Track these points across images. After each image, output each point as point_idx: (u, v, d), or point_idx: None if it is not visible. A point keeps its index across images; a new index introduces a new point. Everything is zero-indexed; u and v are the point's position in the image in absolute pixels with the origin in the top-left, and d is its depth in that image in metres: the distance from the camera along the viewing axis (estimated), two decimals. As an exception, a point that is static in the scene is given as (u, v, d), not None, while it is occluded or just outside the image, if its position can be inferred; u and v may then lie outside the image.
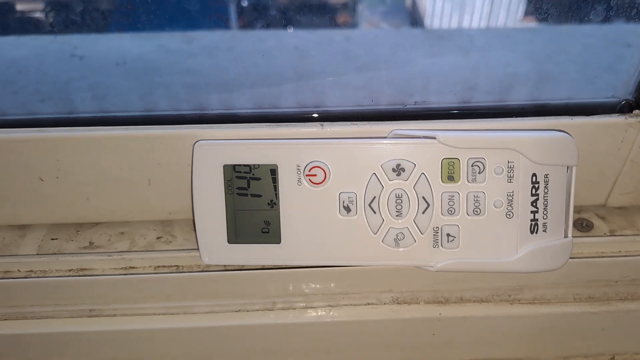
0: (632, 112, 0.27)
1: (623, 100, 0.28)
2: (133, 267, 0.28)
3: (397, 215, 0.25)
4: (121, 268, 0.29)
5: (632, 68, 0.30)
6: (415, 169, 0.24)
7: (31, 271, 0.29)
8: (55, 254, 0.29)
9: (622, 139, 0.27)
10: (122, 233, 0.30)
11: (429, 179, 0.24)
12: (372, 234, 0.25)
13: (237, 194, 0.25)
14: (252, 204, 0.25)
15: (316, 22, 0.37)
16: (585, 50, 0.39)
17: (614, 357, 0.32)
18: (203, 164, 0.25)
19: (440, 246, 0.25)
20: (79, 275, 0.28)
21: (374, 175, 0.24)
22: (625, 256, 0.29)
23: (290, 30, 0.36)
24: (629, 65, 0.31)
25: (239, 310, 0.29)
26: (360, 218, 0.25)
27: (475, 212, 0.24)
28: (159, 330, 0.29)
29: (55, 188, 0.29)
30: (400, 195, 0.25)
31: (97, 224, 0.31)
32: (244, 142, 0.25)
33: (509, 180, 0.24)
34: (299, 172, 0.25)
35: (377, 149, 0.24)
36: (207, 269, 0.28)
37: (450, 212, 0.24)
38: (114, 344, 0.29)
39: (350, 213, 0.25)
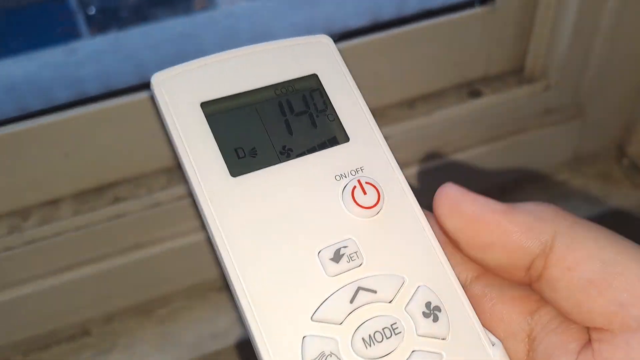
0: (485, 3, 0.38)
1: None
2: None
3: (363, 343, 0.16)
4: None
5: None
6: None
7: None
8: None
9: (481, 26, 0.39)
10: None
11: None
12: (326, 290, 0.17)
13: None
14: None
15: (175, 10, 0.40)
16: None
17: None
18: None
19: None
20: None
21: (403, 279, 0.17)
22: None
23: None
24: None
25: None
26: (334, 283, 0.17)
27: None
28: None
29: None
30: (394, 329, 0.16)
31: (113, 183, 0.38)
32: None
33: None
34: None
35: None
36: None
37: None
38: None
39: (333, 265, 0.17)
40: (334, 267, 0.17)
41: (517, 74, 0.44)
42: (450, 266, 0.18)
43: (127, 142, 0.36)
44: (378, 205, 0.18)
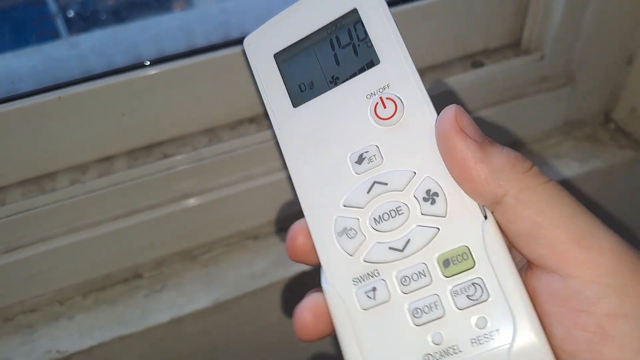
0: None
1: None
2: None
3: (374, 221, 0.22)
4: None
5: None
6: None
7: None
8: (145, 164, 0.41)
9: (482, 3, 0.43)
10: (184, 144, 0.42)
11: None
12: (353, 184, 0.22)
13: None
14: None
15: (156, 9, 0.42)
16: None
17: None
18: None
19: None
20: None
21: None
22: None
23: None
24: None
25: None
26: (359, 179, 0.22)
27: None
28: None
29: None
30: (399, 211, 0.21)
31: (162, 142, 0.43)
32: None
33: None
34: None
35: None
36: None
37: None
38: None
39: (357, 166, 0.22)
40: (358, 167, 0.22)
41: (514, 46, 0.49)
42: None
43: (175, 105, 0.41)
44: (396, 116, 0.22)
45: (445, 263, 0.20)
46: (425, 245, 0.21)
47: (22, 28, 0.43)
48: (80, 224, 0.40)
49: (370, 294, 0.21)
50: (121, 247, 0.42)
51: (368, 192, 0.22)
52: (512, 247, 0.21)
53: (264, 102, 0.24)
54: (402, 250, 0.21)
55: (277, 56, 0.24)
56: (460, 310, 0.20)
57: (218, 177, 0.42)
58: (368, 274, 0.21)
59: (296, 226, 0.23)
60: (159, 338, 0.41)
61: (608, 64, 0.50)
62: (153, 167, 0.40)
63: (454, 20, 0.46)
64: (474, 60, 0.49)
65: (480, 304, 0.20)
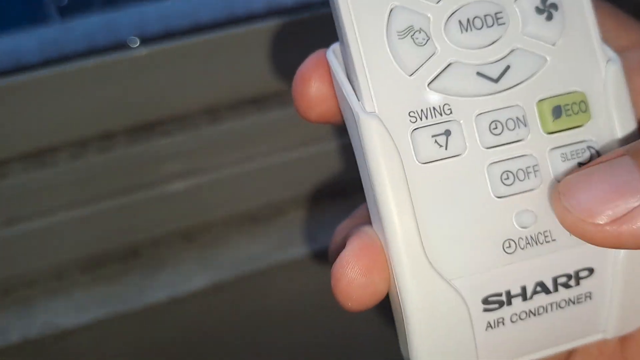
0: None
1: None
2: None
3: (459, 25, 0.14)
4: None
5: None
6: None
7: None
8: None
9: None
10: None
11: None
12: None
13: None
14: None
15: None
16: None
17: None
18: None
19: None
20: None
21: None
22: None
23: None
24: None
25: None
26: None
27: None
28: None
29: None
30: (498, 18, 0.14)
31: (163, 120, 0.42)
32: None
33: None
34: None
35: None
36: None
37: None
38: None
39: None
40: None
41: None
42: None
43: (177, 84, 0.40)
44: None
45: (556, 112, 0.14)
46: (527, 80, 0.14)
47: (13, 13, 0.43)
48: (80, 199, 0.41)
49: (441, 140, 0.14)
50: (120, 225, 0.42)
51: None
52: None
53: None
54: (496, 81, 0.14)
55: None
56: None
57: (218, 158, 0.42)
58: (435, 108, 0.14)
59: (306, 66, 0.16)
60: (156, 316, 0.41)
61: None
62: (153, 145, 0.40)
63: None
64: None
65: None
